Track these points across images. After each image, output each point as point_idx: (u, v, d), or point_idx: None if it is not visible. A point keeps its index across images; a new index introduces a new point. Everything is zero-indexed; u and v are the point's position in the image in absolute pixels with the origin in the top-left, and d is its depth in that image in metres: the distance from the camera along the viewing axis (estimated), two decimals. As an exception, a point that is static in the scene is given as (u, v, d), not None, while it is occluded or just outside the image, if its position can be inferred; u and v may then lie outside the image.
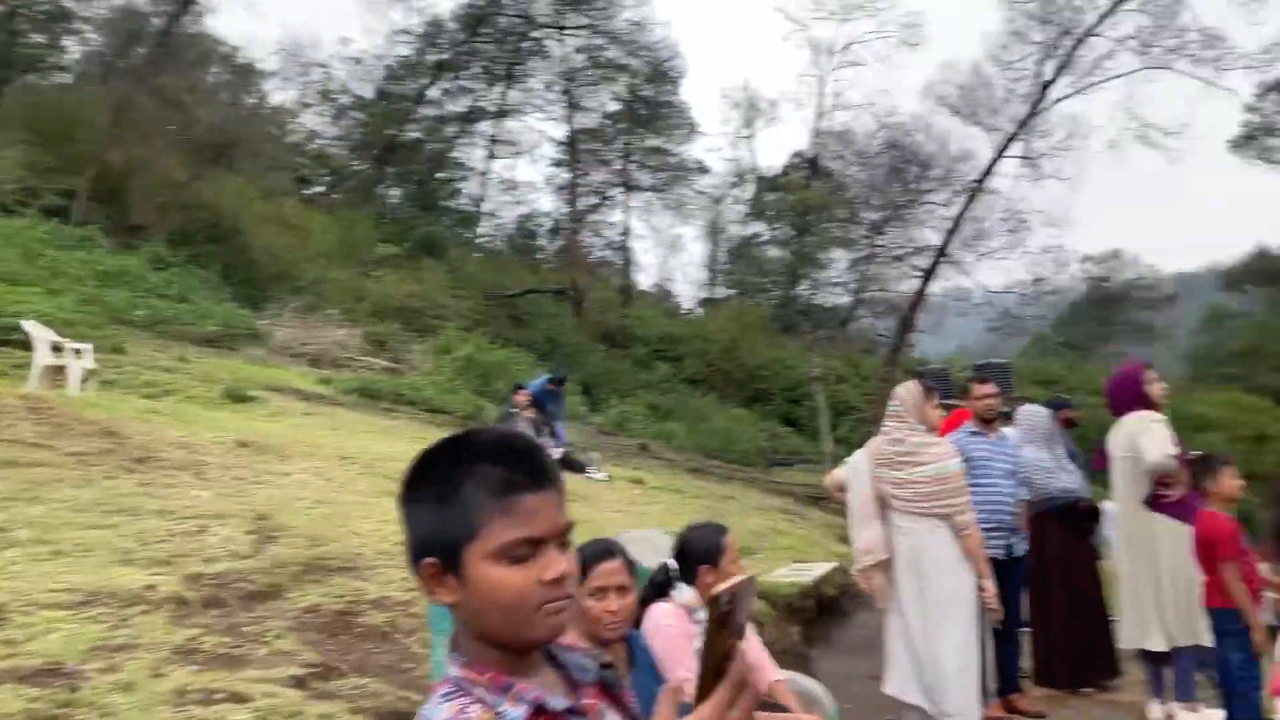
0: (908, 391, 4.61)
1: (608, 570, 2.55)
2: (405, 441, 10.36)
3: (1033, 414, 5.98)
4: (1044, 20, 24.60)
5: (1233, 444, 24.46)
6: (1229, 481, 4.51)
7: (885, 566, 4.39)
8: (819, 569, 6.87)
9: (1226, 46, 23.28)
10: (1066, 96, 25.99)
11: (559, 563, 1.17)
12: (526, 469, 1.18)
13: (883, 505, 4.45)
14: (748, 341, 29.97)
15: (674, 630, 2.94)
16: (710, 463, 20.00)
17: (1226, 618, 4.35)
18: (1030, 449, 5.84)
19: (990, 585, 4.33)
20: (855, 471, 4.59)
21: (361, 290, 22.13)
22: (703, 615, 3.05)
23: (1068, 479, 5.80)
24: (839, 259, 34.96)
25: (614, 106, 36.71)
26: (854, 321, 36.04)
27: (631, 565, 2.64)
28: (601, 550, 2.60)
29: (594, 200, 40.01)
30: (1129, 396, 5.32)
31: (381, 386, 14.80)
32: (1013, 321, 31.41)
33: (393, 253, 25.58)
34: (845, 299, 35.21)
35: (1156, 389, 5.29)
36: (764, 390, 30.05)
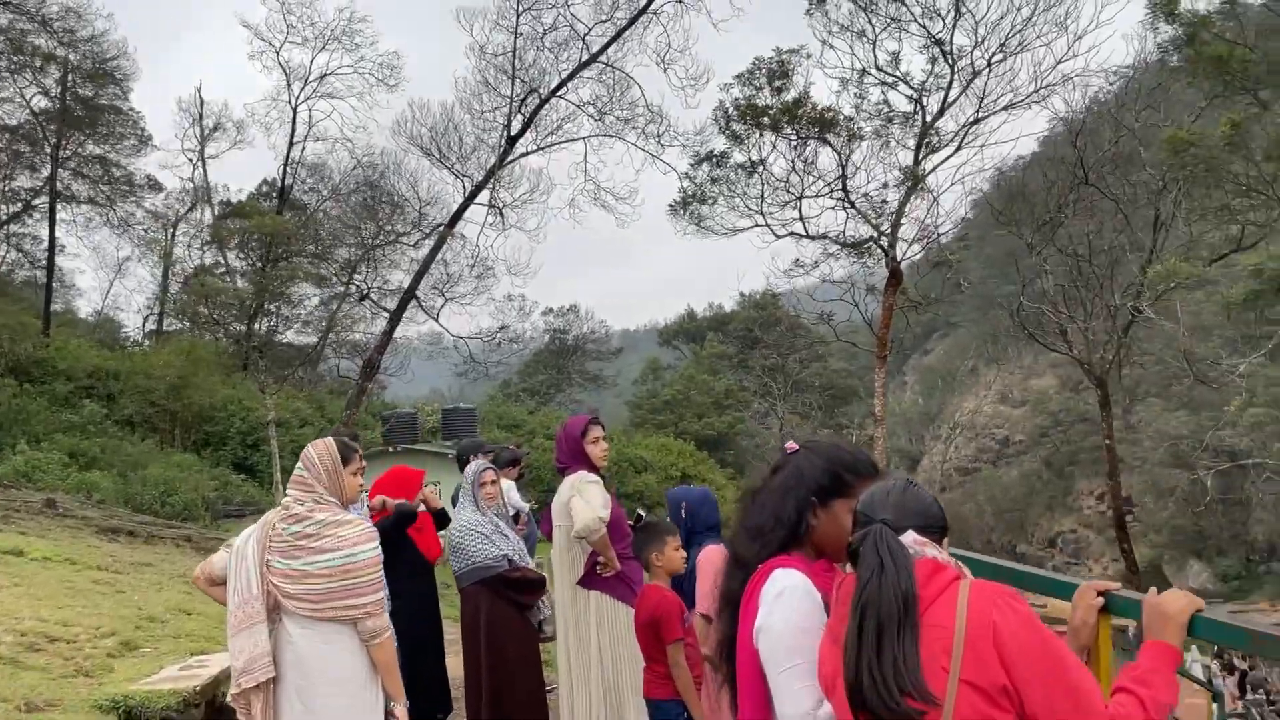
0: (319, 452, 3.60)
1: None
2: None
3: (468, 473, 5.36)
4: (513, 75, 25.55)
5: (664, 483, 27.40)
6: (673, 552, 4.05)
7: (269, 687, 3.36)
8: (220, 662, 5.58)
9: (668, 124, 26.03)
10: (531, 152, 27.29)
11: None
12: None
13: (275, 605, 3.42)
14: (199, 379, 27.09)
15: None
16: (140, 518, 17.34)
17: (669, 709, 3.91)
18: (466, 511, 5.24)
19: (403, 711, 3.49)
20: (240, 559, 3.48)
21: None
22: None
23: (504, 544, 5.23)
24: (308, 295, 33.23)
25: (44, 103, 31.65)
26: (323, 362, 34.44)
27: None
28: None
29: (15, 208, 34.16)
30: (570, 454, 4.94)
31: None
32: (479, 367, 32.07)
33: None
34: (313, 338, 33.48)
35: (598, 449, 4.94)
36: (216, 434, 27.56)
